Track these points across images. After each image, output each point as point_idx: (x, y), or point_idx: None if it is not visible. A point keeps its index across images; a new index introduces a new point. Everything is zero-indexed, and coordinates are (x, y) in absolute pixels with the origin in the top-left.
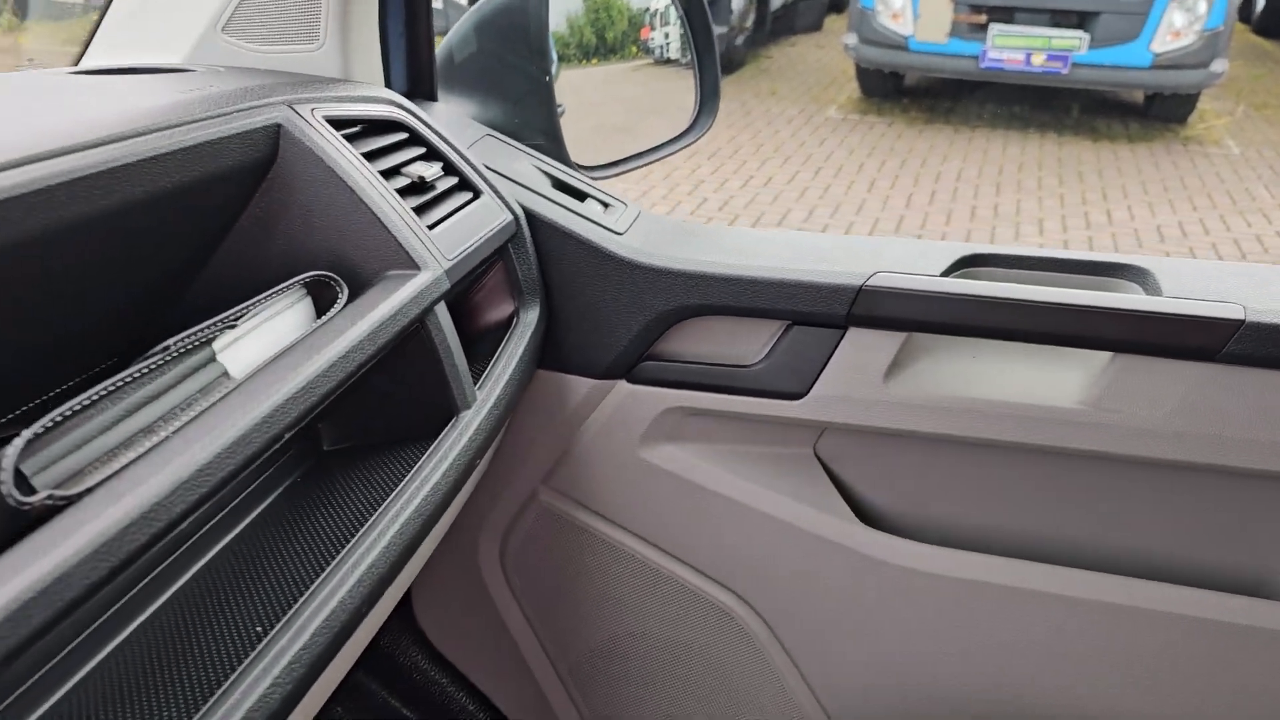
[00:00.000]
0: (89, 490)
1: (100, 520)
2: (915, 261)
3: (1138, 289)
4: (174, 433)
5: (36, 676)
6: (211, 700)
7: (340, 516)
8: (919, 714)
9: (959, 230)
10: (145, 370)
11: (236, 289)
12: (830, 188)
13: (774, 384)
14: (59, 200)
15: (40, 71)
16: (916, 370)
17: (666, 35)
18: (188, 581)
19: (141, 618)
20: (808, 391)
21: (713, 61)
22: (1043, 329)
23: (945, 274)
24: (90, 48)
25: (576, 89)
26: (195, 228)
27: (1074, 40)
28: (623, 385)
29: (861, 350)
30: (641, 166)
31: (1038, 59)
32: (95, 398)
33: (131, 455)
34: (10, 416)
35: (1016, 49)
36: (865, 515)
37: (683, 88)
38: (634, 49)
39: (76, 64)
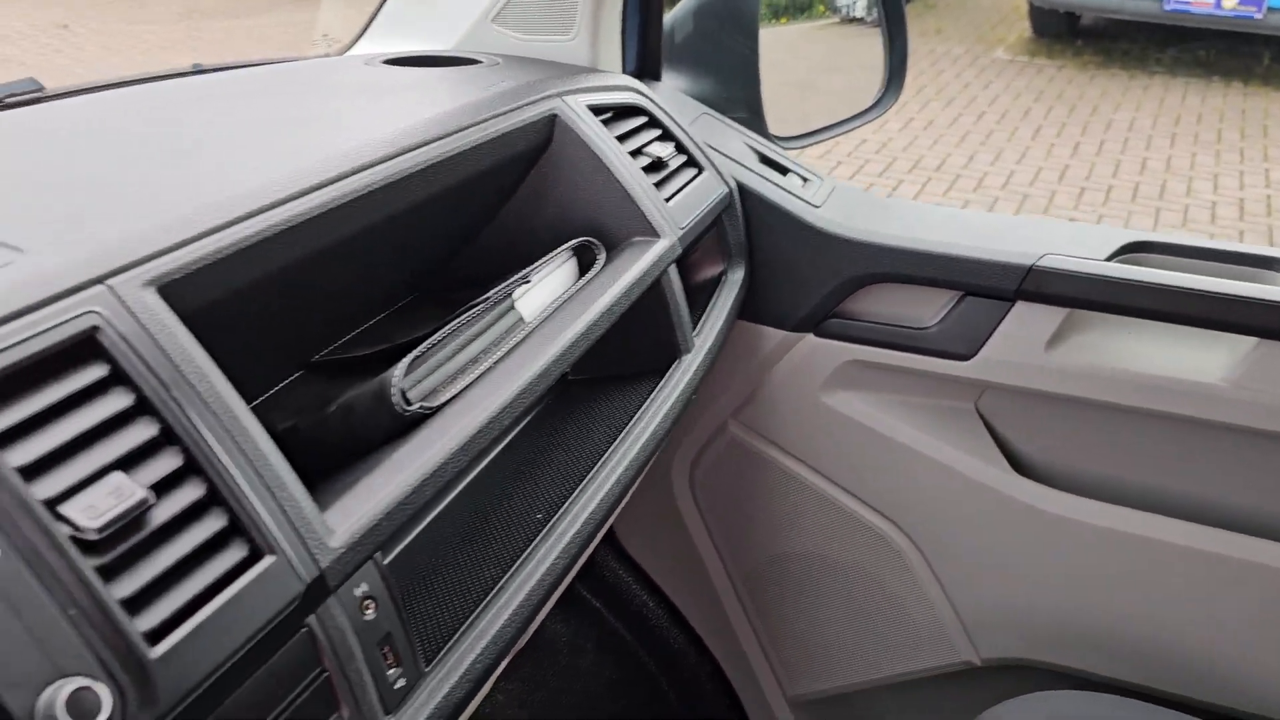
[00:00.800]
0: (445, 404)
1: (461, 428)
2: (1082, 244)
3: None
4: (495, 364)
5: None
6: (518, 561)
7: (588, 434)
8: (1049, 643)
9: (1126, 183)
10: (473, 315)
11: (510, 248)
12: (993, 133)
13: (945, 345)
14: (412, 186)
15: (357, 60)
16: (1076, 342)
17: None
18: (479, 474)
19: (450, 497)
20: (975, 354)
21: (902, 39)
22: (1194, 313)
23: (1110, 259)
24: (369, 31)
25: (764, 47)
26: (484, 200)
27: None
28: (810, 338)
29: (1027, 321)
30: (829, 138)
31: (1229, 2)
32: (444, 336)
33: (468, 380)
34: (346, 339)
35: None
36: (1018, 465)
37: (865, 46)
38: (821, 7)
39: (353, 44)
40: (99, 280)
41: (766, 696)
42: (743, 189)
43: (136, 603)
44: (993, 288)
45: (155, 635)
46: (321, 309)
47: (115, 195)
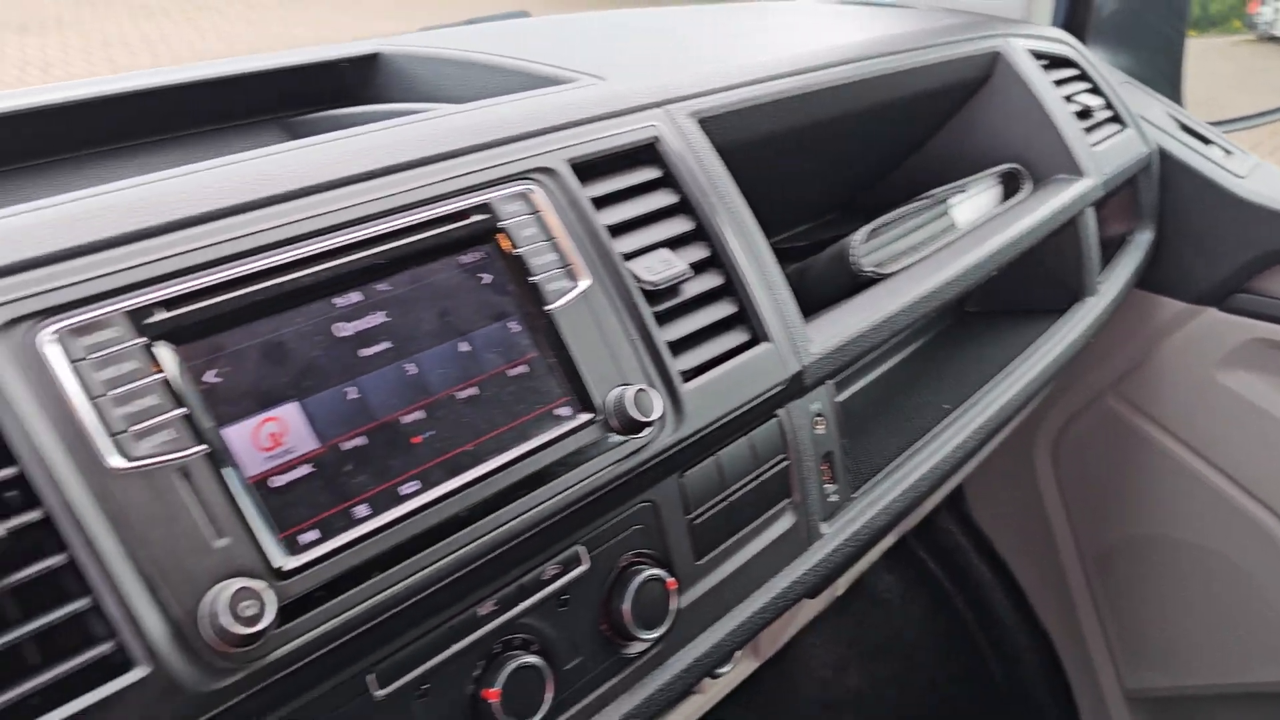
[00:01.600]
0: (893, 274)
1: (909, 290)
2: None
3: None
4: (932, 253)
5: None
6: (930, 432)
7: (986, 354)
8: None
9: None
10: (916, 208)
11: (933, 175)
12: None
13: None
14: (879, 86)
15: (809, 4)
16: None
17: (1276, 10)
18: (886, 371)
19: (866, 380)
20: None
21: None
22: None
23: None
24: None
25: None
26: (924, 120)
27: None
28: (1212, 312)
29: None
30: (1257, 126)
31: None
32: (895, 217)
33: (910, 260)
34: (793, 233)
35: None
36: None
37: (1277, 67)
38: (1237, 23)
39: None
40: (659, 104)
41: (1101, 685)
42: (1163, 154)
43: (676, 347)
44: None
45: (685, 375)
46: (776, 197)
47: (661, 57)
